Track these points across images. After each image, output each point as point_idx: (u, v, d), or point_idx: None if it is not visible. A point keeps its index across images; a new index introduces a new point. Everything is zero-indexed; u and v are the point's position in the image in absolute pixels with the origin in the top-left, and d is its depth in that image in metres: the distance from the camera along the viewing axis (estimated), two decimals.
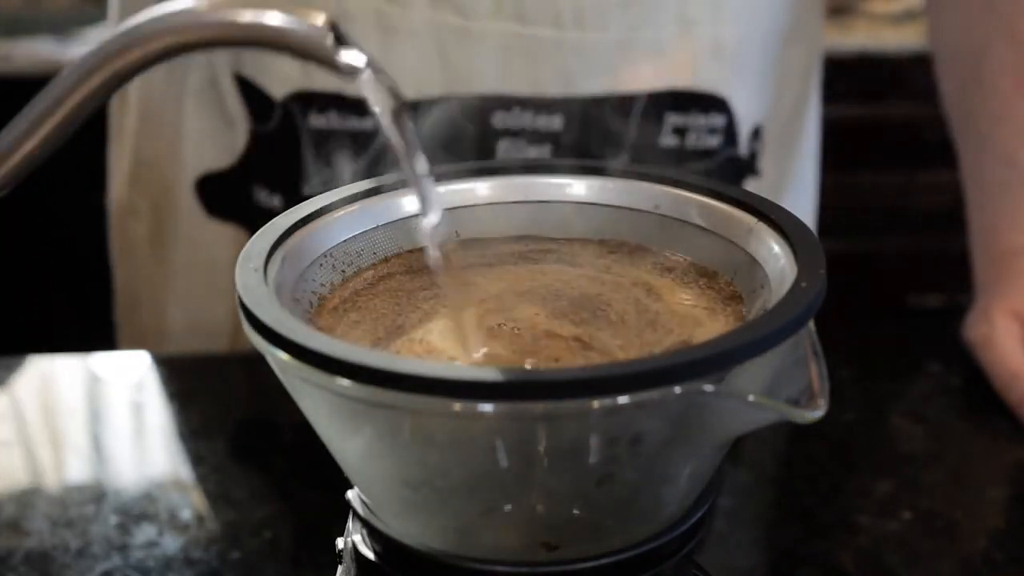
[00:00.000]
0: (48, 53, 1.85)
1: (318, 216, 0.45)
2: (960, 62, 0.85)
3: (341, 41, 0.36)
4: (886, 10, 1.98)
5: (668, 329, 0.41)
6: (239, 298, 0.38)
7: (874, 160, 1.96)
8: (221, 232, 0.88)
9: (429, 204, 0.39)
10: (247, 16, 0.36)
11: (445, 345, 0.40)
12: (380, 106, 0.37)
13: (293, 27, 0.35)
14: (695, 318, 0.42)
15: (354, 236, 0.46)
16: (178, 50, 0.36)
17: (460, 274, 0.43)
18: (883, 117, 1.93)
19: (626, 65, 0.81)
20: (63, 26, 1.93)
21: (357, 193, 0.46)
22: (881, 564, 0.63)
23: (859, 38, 1.91)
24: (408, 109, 0.38)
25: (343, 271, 0.45)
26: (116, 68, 0.37)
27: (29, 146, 0.38)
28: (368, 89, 0.36)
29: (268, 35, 0.36)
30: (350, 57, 0.36)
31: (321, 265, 0.44)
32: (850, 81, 1.77)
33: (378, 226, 0.46)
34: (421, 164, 0.38)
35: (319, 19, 0.36)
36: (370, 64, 0.36)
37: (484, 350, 0.40)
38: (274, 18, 0.36)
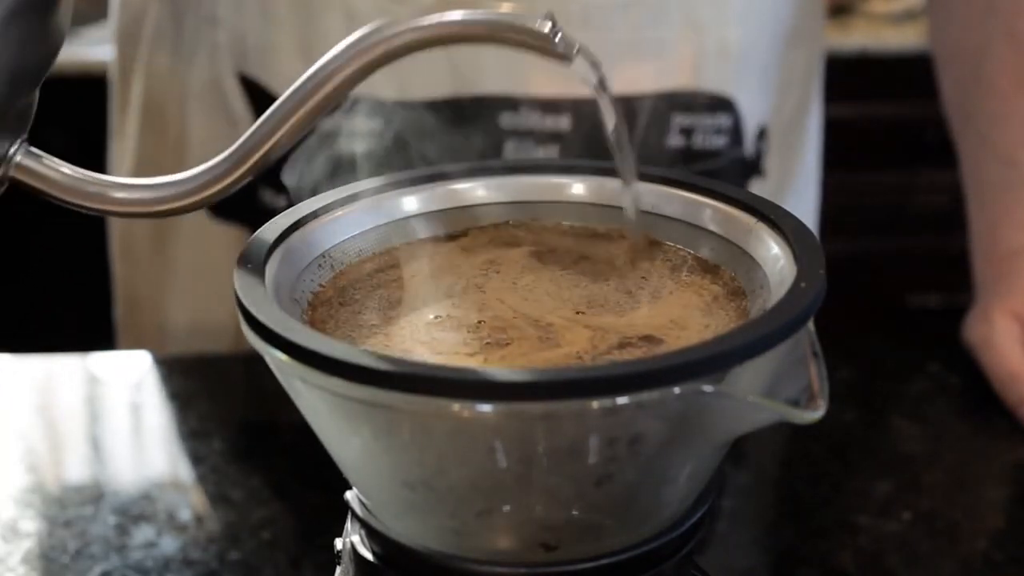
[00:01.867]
0: None
1: (317, 216, 0.45)
2: (960, 62, 0.85)
3: (556, 30, 0.41)
4: (886, 10, 1.98)
5: (670, 319, 0.41)
6: (237, 298, 0.38)
7: (874, 160, 1.96)
8: (223, 233, 0.88)
9: (630, 175, 0.45)
10: (479, 15, 0.41)
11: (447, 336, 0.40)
12: (594, 80, 0.43)
13: (518, 21, 0.41)
14: (699, 310, 0.42)
15: (353, 236, 0.46)
16: (420, 46, 0.42)
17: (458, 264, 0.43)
18: (883, 117, 1.93)
19: (632, 66, 0.81)
20: None
21: (356, 193, 0.46)
22: (881, 564, 0.63)
23: (859, 38, 1.90)
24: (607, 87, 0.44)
25: (339, 268, 0.45)
26: (366, 60, 0.43)
27: (285, 128, 0.43)
28: (581, 67, 0.42)
29: (498, 30, 0.42)
30: (563, 44, 0.41)
31: (320, 265, 0.44)
32: (850, 81, 1.77)
33: (377, 226, 0.46)
34: (623, 135, 0.44)
35: (539, 14, 0.41)
36: (580, 49, 0.42)
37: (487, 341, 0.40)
38: (500, 15, 0.41)
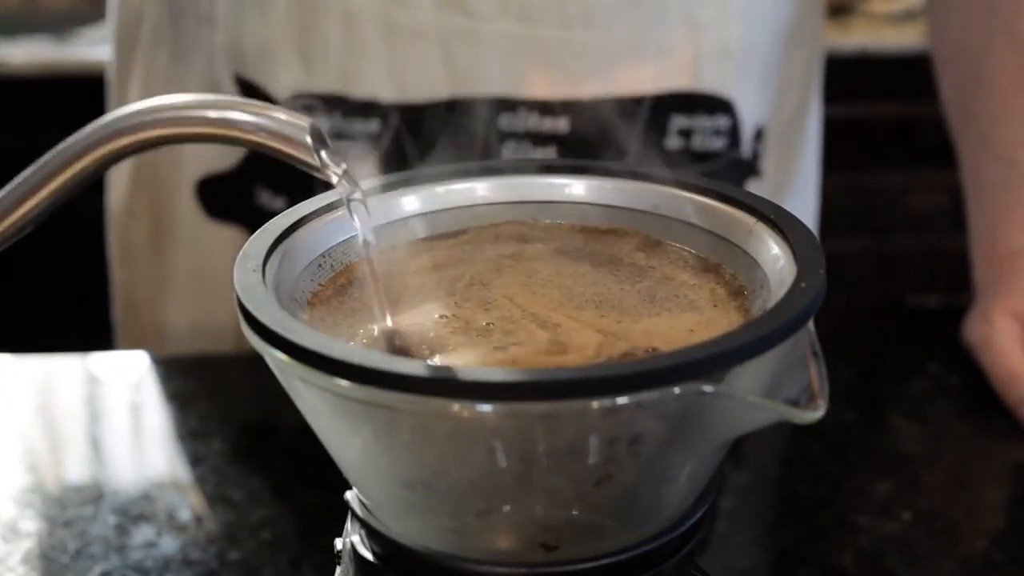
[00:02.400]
0: (46, 53, 1.84)
1: (316, 216, 0.45)
2: (960, 62, 0.85)
3: (322, 143, 0.40)
4: (886, 10, 1.98)
5: (673, 315, 0.41)
6: (237, 298, 0.38)
7: (874, 160, 1.96)
8: (222, 234, 0.88)
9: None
10: (241, 116, 0.39)
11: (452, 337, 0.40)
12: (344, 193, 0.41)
13: (285, 130, 0.39)
14: (699, 307, 0.42)
15: (353, 236, 0.45)
16: (170, 140, 0.40)
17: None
18: (883, 117, 1.93)
19: (632, 67, 0.81)
20: (61, 26, 1.93)
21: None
22: (881, 564, 0.63)
23: (859, 38, 1.90)
24: (365, 206, 0.41)
25: (339, 269, 0.45)
26: (99, 155, 0.39)
27: (12, 219, 0.40)
28: (343, 187, 0.41)
29: (256, 136, 0.39)
30: (330, 159, 0.40)
31: (320, 265, 0.44)
32: (850, 81, 1.77)
33: (377, 226, 0.46)
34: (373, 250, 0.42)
35: (304, 121, 0.39)
36: (347, 170, 0.40)
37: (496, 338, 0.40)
38: (264, 118, 0.39)
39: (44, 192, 0.40)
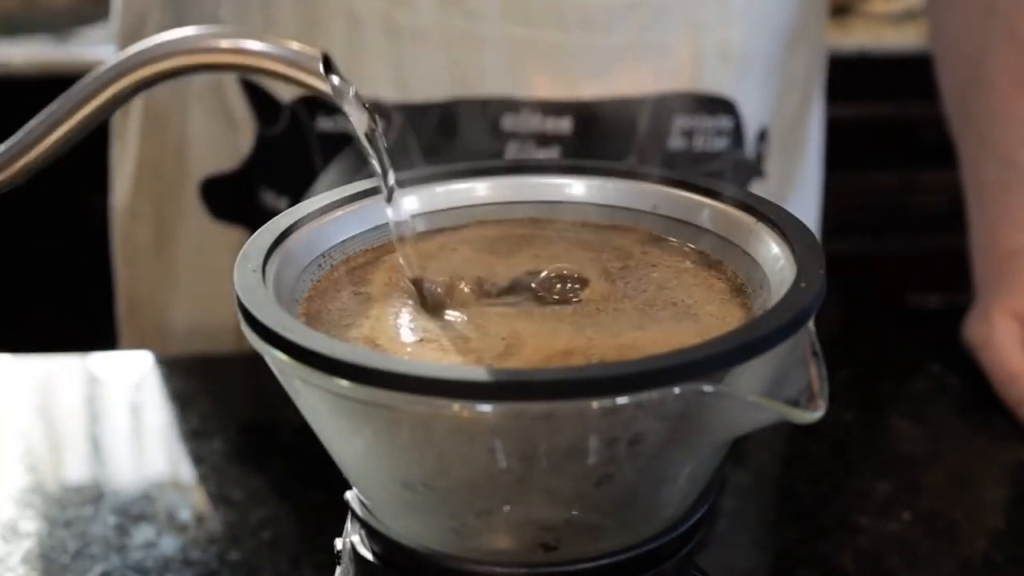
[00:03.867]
0: (46, 53, 1.84)
1: (317, 216, 0.45)
2: (960, 62, 0.85)
3: (333, 70, 0.41)
4: (886, 10, 1.98)
5: (679, 310, 0.41)
6: (237, 298, 0.38)
7: (874, 160, 1.96)
8: (226, 235, 0.88)
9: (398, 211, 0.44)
10: (254, 44, 0.41)
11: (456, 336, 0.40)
12: (358, 123, 0.42)
13: (290, 55, 0.41)
14: (703, 303, 0.42)
15: (353, 236, 0.46)
16: (187, 70, 0.42)
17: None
18: (883, 117, 1.93)
19: (633, 68, 0.81)
20: (61, 26, 1.93)
21: (356, 193, 0.46)
22: (881, 564, 0.63)
23: (859, 38, 1.90)
24: (379, 130, 0.42)
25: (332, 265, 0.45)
26: (124, 84, 0.41)
27: (37, 150, 0.42)
28: (351, 108, 0.41)
29: (269, 63, 0.41)
30: (338, 86, 0.41)
31: (320, 265, 0.44)
32: (850, 81, 1.77)
33: (377, 226, 0.46)
34: (391, 179, 0.43)
35: (316, 51, 0.41)
36: (357, 94, 0.42)
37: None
38: (276, 47, 0.41)
39: (68, 123, 0.42)
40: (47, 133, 0.42)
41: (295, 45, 0.41)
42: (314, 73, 0.41)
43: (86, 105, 0.42)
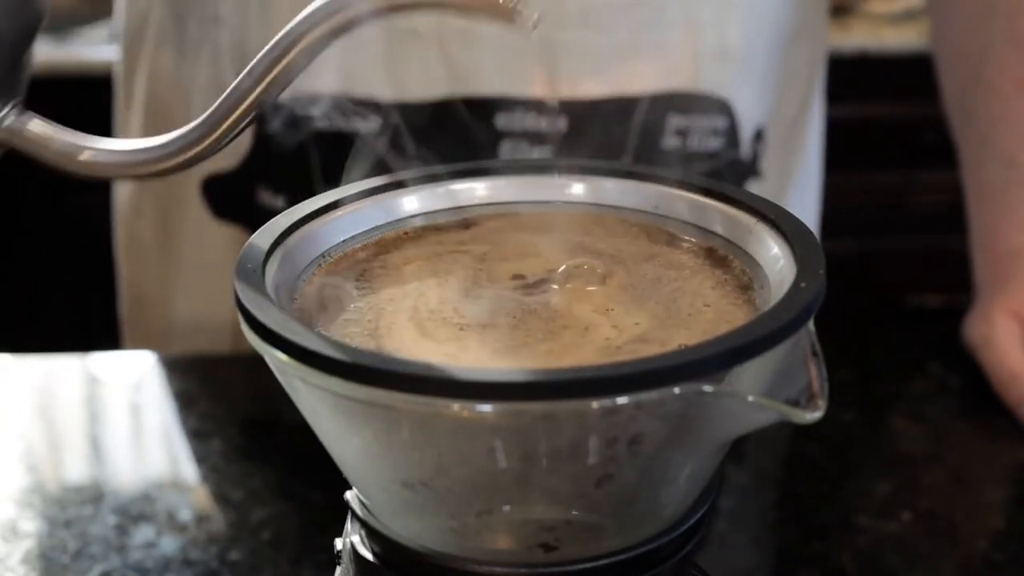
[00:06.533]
0: (47, 53, 1.84)
1: (317, 216, 0.45)
2: (961, 63, 0.85)
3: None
4: (886, 10, 1.98)
5: (688, 304, 0.41)
6: (237, 298, 0.38)
7: (874, 160, 1.96)
8: (227, 233, 0.88)
9: None
10: None
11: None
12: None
13: None
14: (712, 298, 0.42)
15: (353, 236, 0.46)
16: (388, 11, 0.45)
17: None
18: (883, 117, 1.93)
19: (631, 67, 0.81)
20: (61, 26, 1.93)
21: (356, 193, 0.46)
22: (881, 565, 0.63)
23: (859, 38, 1.90)
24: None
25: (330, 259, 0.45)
26: (334, 23, 0.45)
27: (260, 88, 0.46)
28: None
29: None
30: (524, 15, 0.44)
31: (320, 265, 0.44)
32: (850, 81, 1.77)
33: (377, 226, 0.46)
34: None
35: None
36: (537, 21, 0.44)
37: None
38: None
39: (277, 70, 0.46)
40: (246, 94, 0.46)
41: None
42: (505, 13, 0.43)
43: (281, 60, 0.45)
